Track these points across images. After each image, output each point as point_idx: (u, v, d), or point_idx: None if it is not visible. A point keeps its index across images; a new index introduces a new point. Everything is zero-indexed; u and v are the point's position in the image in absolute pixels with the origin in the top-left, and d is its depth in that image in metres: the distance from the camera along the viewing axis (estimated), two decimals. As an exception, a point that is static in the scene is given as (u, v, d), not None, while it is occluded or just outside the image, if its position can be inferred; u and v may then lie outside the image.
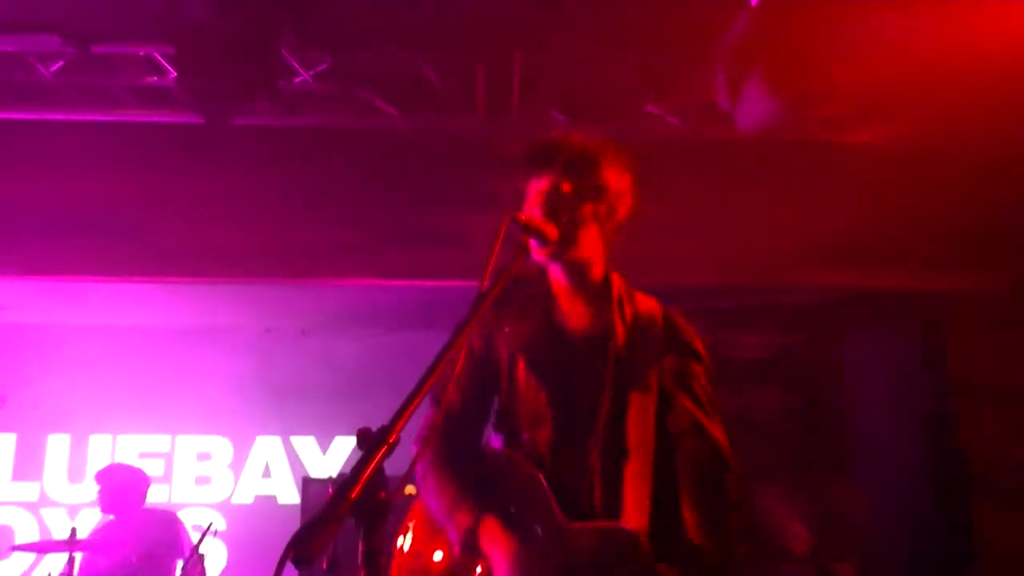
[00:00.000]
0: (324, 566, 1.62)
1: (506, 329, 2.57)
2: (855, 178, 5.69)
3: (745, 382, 6.00)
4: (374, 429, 1.73)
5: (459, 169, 5.60)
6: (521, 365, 2.54)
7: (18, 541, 6.75)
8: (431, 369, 1.89)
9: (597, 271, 2.58)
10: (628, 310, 2.57)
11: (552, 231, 2.42)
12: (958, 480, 5.85)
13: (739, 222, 5.84)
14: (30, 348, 7.02)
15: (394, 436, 1.72)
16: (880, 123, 5.66)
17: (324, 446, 7.32)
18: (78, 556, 5.20)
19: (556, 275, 2.56)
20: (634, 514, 2.33)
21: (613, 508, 2.37)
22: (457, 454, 2.57)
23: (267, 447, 7.37)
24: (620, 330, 2.53)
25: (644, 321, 2.56)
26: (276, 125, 5.71)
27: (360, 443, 1.72)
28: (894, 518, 5.89)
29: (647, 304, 2.61)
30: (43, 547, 5.88)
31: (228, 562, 6.93)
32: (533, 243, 2.42)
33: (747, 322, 6.20)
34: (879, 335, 6.42)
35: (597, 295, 2.57)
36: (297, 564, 1.56)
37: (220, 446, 7.36)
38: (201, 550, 5.42)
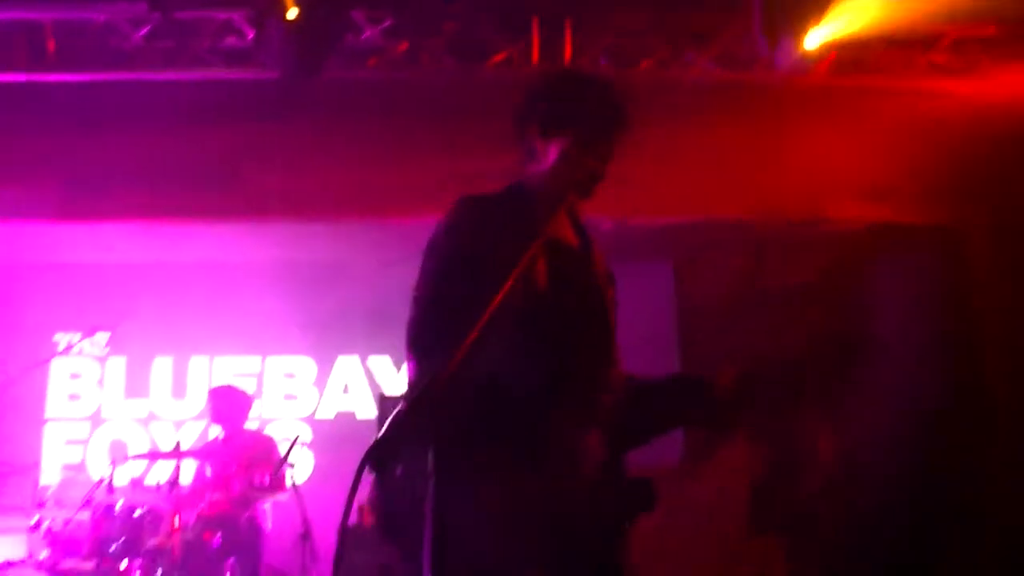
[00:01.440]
0: (398, 472, 1.66)
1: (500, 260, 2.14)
2: (884, 118, 5.58)
3: (778, 309, 5.96)
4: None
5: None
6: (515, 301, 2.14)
7: (131, 452, 6.97)
8: (493, 299, 1.89)
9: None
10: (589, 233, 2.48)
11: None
12: (978, 403, 5.79)
13: (775, 160, 5.77)
14: (137, 284, 7.16)
15: (461, 355, 1.75)
16: (907, 68, 5.54)
17: (399, 366, 7.42)
18: (183, 464, 5.37)
19: (540, 194, 2.40)
20: None
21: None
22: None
23: (347, 367, 7.49)
24: (592, 242, 2.46)
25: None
26: (347, 78, 5.72)
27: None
28: (912, 440, 5.84)
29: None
30: (153, 456, 6.09)
31: (313, 470, 7.09)
32: (592, 192, 2.39)
33: (780, 254, 6.15)
34: (905, 265, 6.32)
35: (570, 213, 2.46)
36: (374, 471, 1.61)
37: (305, 366, 7.50)
38: (289, 460, 5.55)
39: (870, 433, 5.85)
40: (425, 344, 2.37)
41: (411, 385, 2.38)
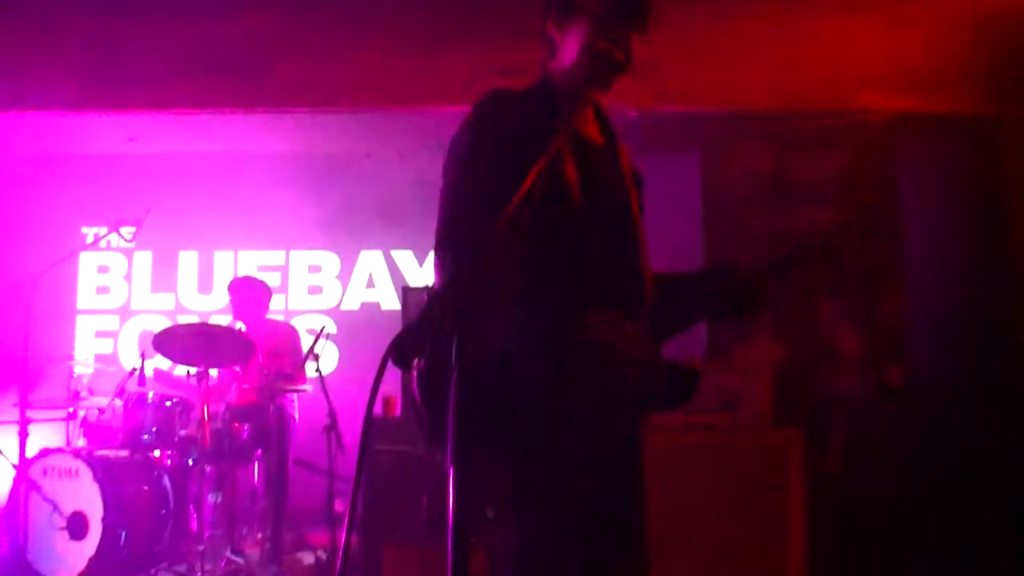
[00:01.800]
0: (422, 365, 1.67)
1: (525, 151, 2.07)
2: (915, 2, 5.40)
3: (805, 200, 5.88)
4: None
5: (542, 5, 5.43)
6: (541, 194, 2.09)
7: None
8: (515, 190, 1.87)
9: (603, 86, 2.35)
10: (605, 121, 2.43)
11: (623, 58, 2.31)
12: (1006, 295, 5.73)
13: (803, 49, 5.61)
14: (161, 175, 7.16)
15: (492, 245, 1.72)
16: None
17: (421, 259, 7.44)
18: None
19: (563, 86, 2.32)
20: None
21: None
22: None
23: (370, 260, 7.51)
24: (618, 141, 2.41)
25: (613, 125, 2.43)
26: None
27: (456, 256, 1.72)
28: (942, 329, 5.81)
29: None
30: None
31: (339, 361, 7.18)
32: (613, 80, 2.33)
33: (808, 145, 6.02)
34: (935, 157, 6.20)
35: (595, 109, 2.41)
36: (397, 363, 1.61)
37: (329, 259, 7.53)
38: (315, 350, 5.61)
39: (895, 324, 5.83)
40: (447, 239, 2.25)
41: (438, 279, 2.26)
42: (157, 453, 5.29)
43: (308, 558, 5.61)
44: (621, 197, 2.32)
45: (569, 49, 2.27)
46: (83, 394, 5.59)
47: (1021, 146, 5.88)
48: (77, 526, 4.89)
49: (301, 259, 7.54)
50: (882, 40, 5.51)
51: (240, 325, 6.25)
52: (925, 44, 5.44)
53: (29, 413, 5.20)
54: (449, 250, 2.20)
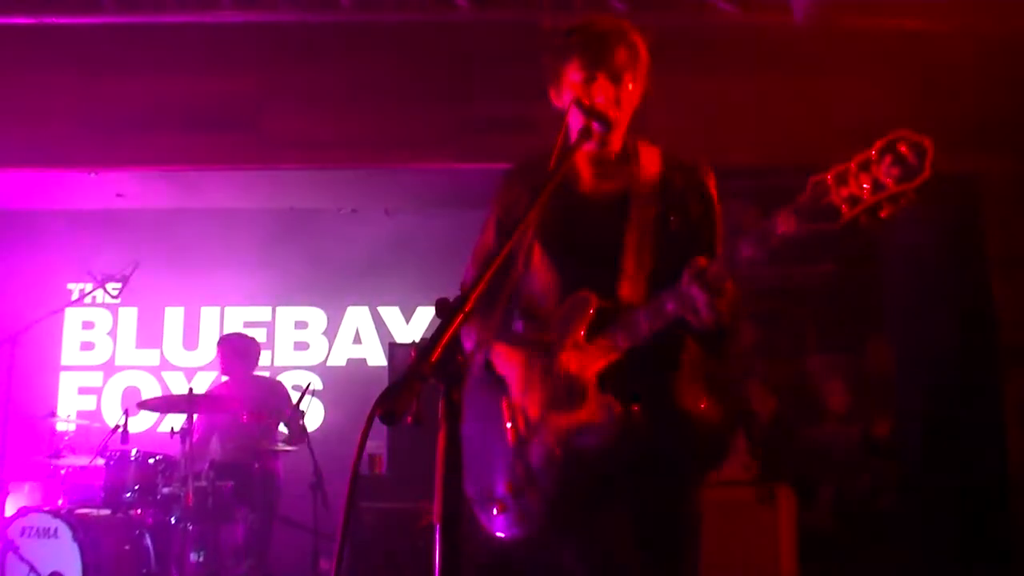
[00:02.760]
0: (408, 422, 1.64)
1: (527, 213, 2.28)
2: (897, 63, 5.47)
3: (792, 257, 5.90)
4: (451, 299, 1.72)
5: (527, 59, 5.49)
6: (537, 247, 2.46)
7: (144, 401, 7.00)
8: (501, 245, 1.88)
9: (619, 142, 2.47)
10: (644, 168, 2.49)
11: (614, 114, 2.37)
12: (988, 349, 5.74)
13: (786, 106, 5.68)
14: (148, 231, 7.16)
15: (470, 306, 1.72)
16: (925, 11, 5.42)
17: (408, 315, 7.42)
18: (196, 414, 5.37)
19: (592, 149, 2.43)
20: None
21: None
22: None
23: (357, 316, 7.48)
24: (638, 187, 2.46)
25: (662, 173, 2.49)
26: (363, 21, 5.64)
27: (439, 312, 1.72)
28: (926, 384, 5.81)
29: (658, 158, 2.53)
30: (165, 404, 6.10)
31: (324, 417, 7.12)
32: (595, 126, 2.36)
33: (791, 199, 6.07)
34: (916, 211, 6.23)
35: (619, 161, 2.49)
36: (384, 420, 1.58)
37: (315, 316, 7.50)
38: (301, 407, 5.56)
39: (881, 378, 5.83)
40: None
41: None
42: (139, 511, 5.19)
43: (293, 618, 5.50)
44: (595, 233, 2.43)
45: (566, 111, 2.39)
46: (64, 451, 5.50)
47: (1001, 201, 5.94)
48: (55, 588, 4.78)
49: (287, 315, 7.50)
50: (863, 98, 5.57)
51: (228, 380, 6.20)
52: (907, 101, 5.51)
53: (8, 471, 5.11)
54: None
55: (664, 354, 2.33)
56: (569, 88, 2.40)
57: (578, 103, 2.35)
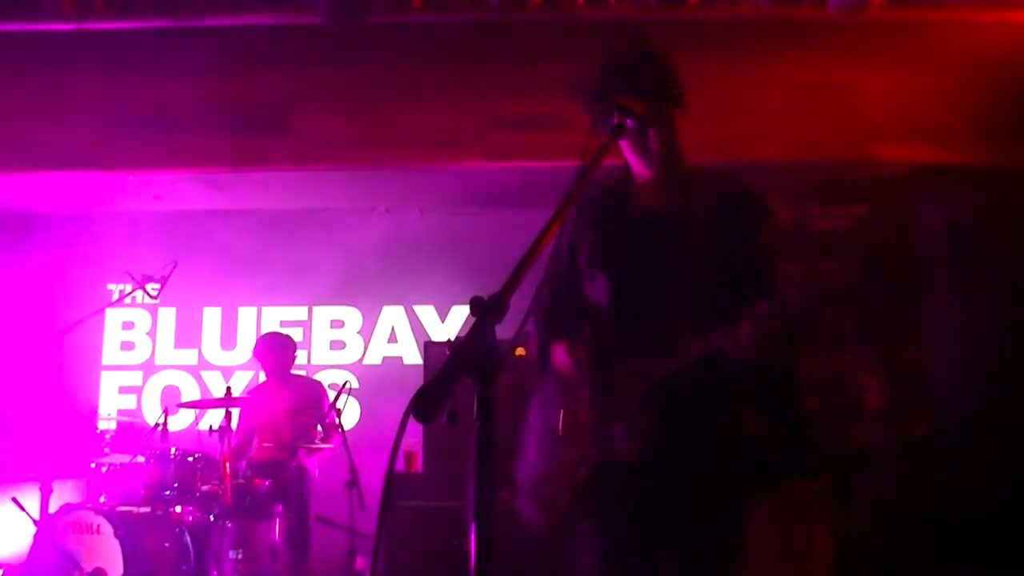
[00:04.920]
0: (444, 420, 1.64)
1: (586, 242, 2.63)
2: (932, 55, 5.39)
3: (824, 251, 5.83)
4: (486, 298, 1.72)
5: (556, 57, 5.48)
6: (600, 276, 2.60)
7: (183, 399, 7.07)
8: (536, 242, 1.87)
9: (676, 163, 2.59)
10: (699, 196, 2.57)
11: (642, 108, 2.36)
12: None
13: (820, 100, 5.61)
14: (186, 232, 7.23)
15: (504, 303, 1.71)
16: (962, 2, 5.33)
17: (443, 314, 7.42)
18: (234, 411, 5.42)
19: (643, 172, 2.59)
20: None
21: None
22: (564, 332, 2.66)
23: (393, 315, 7.50)
24: (693, 214, 2.54)
25: (710, 192, 2.58)
26: (388, 23, 5.65)
27: (473, 310, 1.71)
28: (964, 380, 5.72)
29: (716, 183, 2.61)
30: (204, 404, 6.16)
31: (360, 416, 7.14)
32: (629, 123, 2.35)
33: (825, 196, 6.00)
34: (951, 205, 6.16)
35: (675, 182, 2.59)
36: (420, 418, 1.58)
37: (351, 315, 7.52)
38: (337, 405, 5.59)
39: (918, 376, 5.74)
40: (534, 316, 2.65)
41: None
42: (179, 509, 5.24)
43: (329, 616, 5.52)
44: (652, 266, 2.54)
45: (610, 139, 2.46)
46: (106, 450, 5.57)
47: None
48: (97, 583, 4.84)
49: (324, 314, 7.54)
50: (899, 90, 5.50)
51: (265, 379, 6.25)
52: (941, 93, 5.43)
53: (52, 469, 5.18)
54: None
55: (713, 378, 2.43)
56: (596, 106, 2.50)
57: (603, 95, 2.43)
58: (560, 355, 2.62)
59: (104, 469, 5.52)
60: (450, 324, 7.35)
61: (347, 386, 5.61)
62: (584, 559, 2.49)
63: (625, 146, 2.54)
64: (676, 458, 2.40)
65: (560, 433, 2.53)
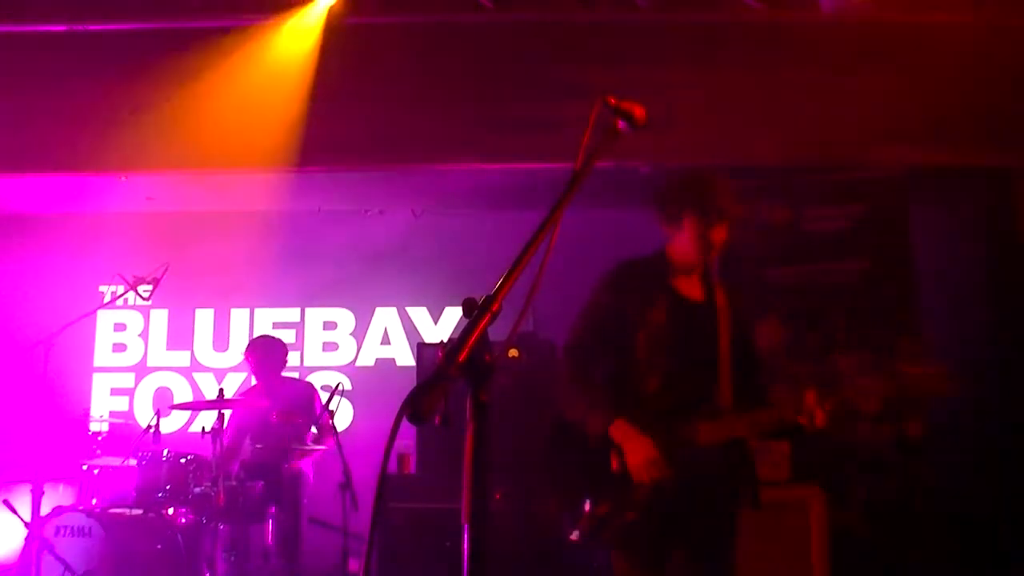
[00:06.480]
0: (436, 421, 1.63)
1: (631, 306, 3.27)
2: (926, 58, 5.41)
3: (822, 253, 5.85)
4: (479, 299, 1.72)
5: (553, 59, 5.49)
6: (641, 333, 3.22)
7: (175, 401, 7.06)
8: (529, 244, 1.87)
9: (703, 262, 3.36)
10: (722, 283, 3.40)
11: (640, 112, 2.36)
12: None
13: (816, 103, 5.62)
14: (178, 234, 7.21)
15: (497, 305, 1.72)
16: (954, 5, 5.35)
17: (435, 315, 7.42)
18: (227, 413, 5.41)
19: (675, 262, 3.34)
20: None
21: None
22: (590, 376, 3.28)
23: (385, 317, 7.50)
24: (719, 297, 3.34)
25: (733, 290, 3.41)
26: (382, 23, 5.65)
27: (466, 312, 1.72)
28: (960, 381, 5.72)
29: (725, 282, 3.43)
30: (196, 406, 6.15)
31: (353, 417, 7.14)
32: (622, 125, 2.35)
33: (823, 198, 6.01)
34: (947, 207, 6.18)
35: (703, 276, 3.38)
36: (413, 420, 1.59)
37: (344, 316, 7.52)
38: (330, 407, 5.59)
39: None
40: (569, 351, 3.36)
41: (563, 379, 3.35)
42: (171, 511, 5.24)
43: (322, 618, 5.52)
44: (701, 336, 3.27)
45: (676, 238, 3.33)
46: (98, 452, 5.56)
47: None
48: (89, 587, 4.83)
49: (316, 316, 7.53)
50: (894, 92, 5.52)
51: (257, 381, 6.24)
52: (937, 95, 5.44)
53: (44, 471, 5.17)
54: (570, 360, 3.33)
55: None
56: (697, 230, 3.28)
57: (706, 248, 3.33)
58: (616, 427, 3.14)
59: (96, 471, 5.50)
60: (443, 326, 7.36)
61: (340, 388, 5.61)
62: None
63: (688, 230, 3.28)
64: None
65: (615, 471, 3.13)
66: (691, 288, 3.36)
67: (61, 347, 5.52)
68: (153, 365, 7.47)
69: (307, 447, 5.66)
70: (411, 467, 5.65)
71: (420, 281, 7.29)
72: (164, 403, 6.72)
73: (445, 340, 6.53)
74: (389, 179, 6.52)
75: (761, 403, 3.23)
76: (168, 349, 7.50)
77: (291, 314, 7.50)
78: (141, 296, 5.80)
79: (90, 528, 4.92)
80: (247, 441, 5.99)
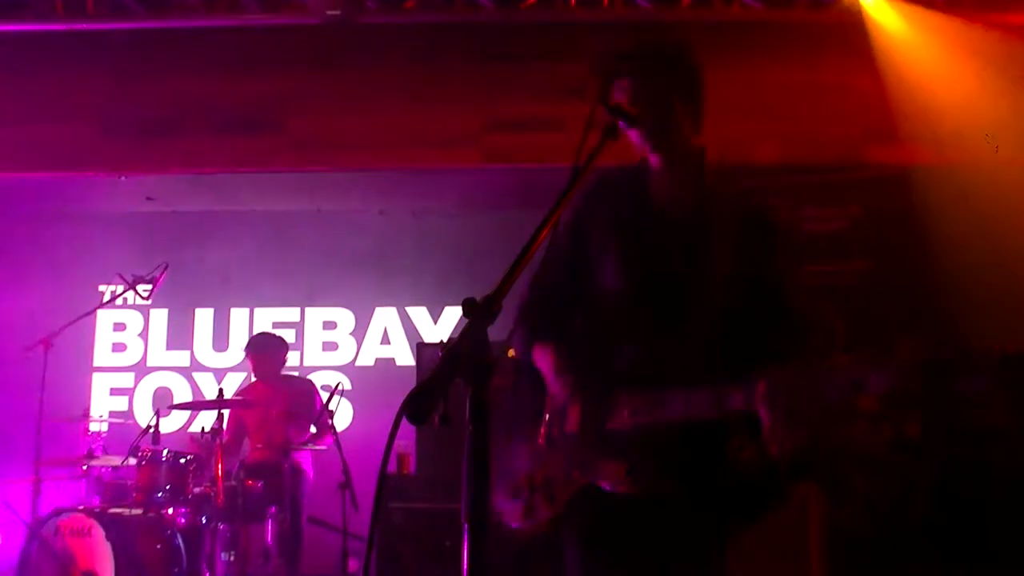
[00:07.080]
0: (436, 421, 1.63)
1: (597, 226, 2.50)
2: (926, 56, 5.41)
3: (820, 253, 5.85)
4: (478, 299, 1.72)
5: (552, 59, 5.49)
6: (611, 254, 2.47)
7: (175, 401, 7.06)
8: (529, 244, 1.87)
9: (691, 155, 2.51)
10: (719, 190, 2.50)
11: (636, 111, 2.37)
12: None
13: (816, 102, 5.63)
14: (178, 234, 7.22)
15: (496, 305, 1.72)
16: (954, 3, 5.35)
17: (435, 315, 7.42)
18: (226, 413, 5.41)
19: (655, 163, 2.49)
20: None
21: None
22: (551, 329, 2.52)
23: (385, 316, 7.50)
24: (711, 209, 2.46)
25: (732, 200, 2.49)
26: (383, 23, 5.65)
27: (466, 312, 1.71)
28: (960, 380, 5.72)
29: (734, 184, 2.54)
30: (196, 406, 6.15)
31: (353, 417, 7.14)
32: (621, 124, 2.36)
33: (823, 197, 6.01)
34: (951, 207, 6.17)
35: (692, 178, 2.50)
36: (412, 420, 1.59)
37: (344, 316, 7.52)
38: (330, 407, 5.59)
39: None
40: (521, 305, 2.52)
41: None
42: (171, 511, 5.24)
43: (322, 618, 5.52)
44: (673, 276, 2.41)
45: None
46: (97, 451, 5.56)
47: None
48: (88, 586, 4.83)
49: (316, 316, 7.53)
50: (892, 94, 5.52)
51: (257, 381, 6.24)
52: (934, 95, 5.44)
53: (43, 471, 5.16)
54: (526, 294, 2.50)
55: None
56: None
57: (601, 100, 2.34)
58: (543, 359, 2.48)
59: (96, 471, 5.51)
60: (443, 326, 7.36)
61: (339, 387, 5.62)
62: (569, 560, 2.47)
63: (633, 136, 2.43)
64: (671, 499, 2.30)
65: (541, 444, 2.42)
66: (668, 186, 2.50)
67: (61, 347, 5.52)
68: (153, 365, 7.47)
69: (307, 446, 5.66)
70: (411, 467, 5.65)
71: (420, 281, 7.29)
72: (164, 403, 6.71)
73: (445, 340, 6.53)
74: (389, 179, 6.52)
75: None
76: (168, 349, 7.50)
77: (291, 314, 7.50)
78: (141, 296, 5.80)
79: (89, 528, 4.92)
80: (247, 441, 6.00)
